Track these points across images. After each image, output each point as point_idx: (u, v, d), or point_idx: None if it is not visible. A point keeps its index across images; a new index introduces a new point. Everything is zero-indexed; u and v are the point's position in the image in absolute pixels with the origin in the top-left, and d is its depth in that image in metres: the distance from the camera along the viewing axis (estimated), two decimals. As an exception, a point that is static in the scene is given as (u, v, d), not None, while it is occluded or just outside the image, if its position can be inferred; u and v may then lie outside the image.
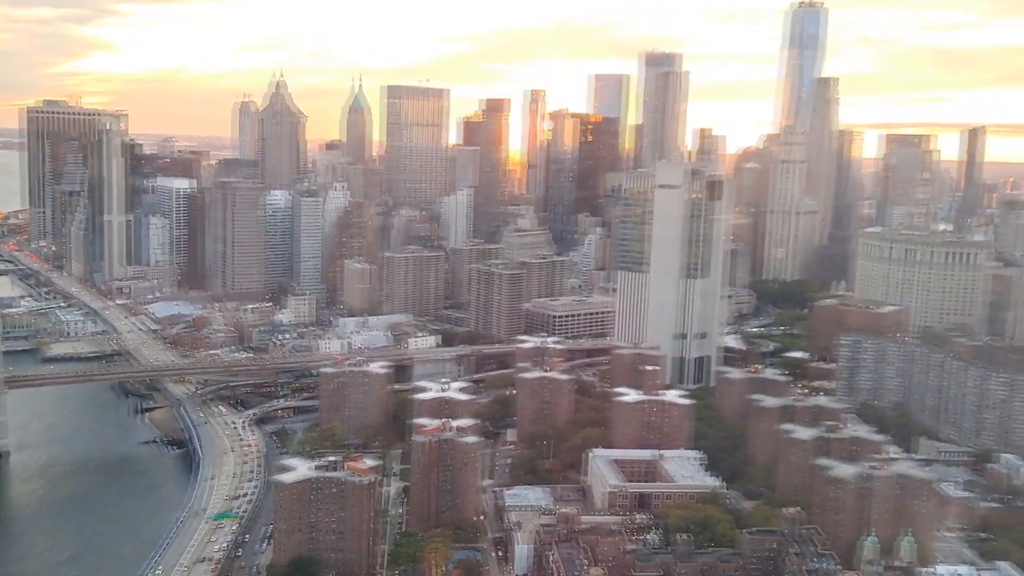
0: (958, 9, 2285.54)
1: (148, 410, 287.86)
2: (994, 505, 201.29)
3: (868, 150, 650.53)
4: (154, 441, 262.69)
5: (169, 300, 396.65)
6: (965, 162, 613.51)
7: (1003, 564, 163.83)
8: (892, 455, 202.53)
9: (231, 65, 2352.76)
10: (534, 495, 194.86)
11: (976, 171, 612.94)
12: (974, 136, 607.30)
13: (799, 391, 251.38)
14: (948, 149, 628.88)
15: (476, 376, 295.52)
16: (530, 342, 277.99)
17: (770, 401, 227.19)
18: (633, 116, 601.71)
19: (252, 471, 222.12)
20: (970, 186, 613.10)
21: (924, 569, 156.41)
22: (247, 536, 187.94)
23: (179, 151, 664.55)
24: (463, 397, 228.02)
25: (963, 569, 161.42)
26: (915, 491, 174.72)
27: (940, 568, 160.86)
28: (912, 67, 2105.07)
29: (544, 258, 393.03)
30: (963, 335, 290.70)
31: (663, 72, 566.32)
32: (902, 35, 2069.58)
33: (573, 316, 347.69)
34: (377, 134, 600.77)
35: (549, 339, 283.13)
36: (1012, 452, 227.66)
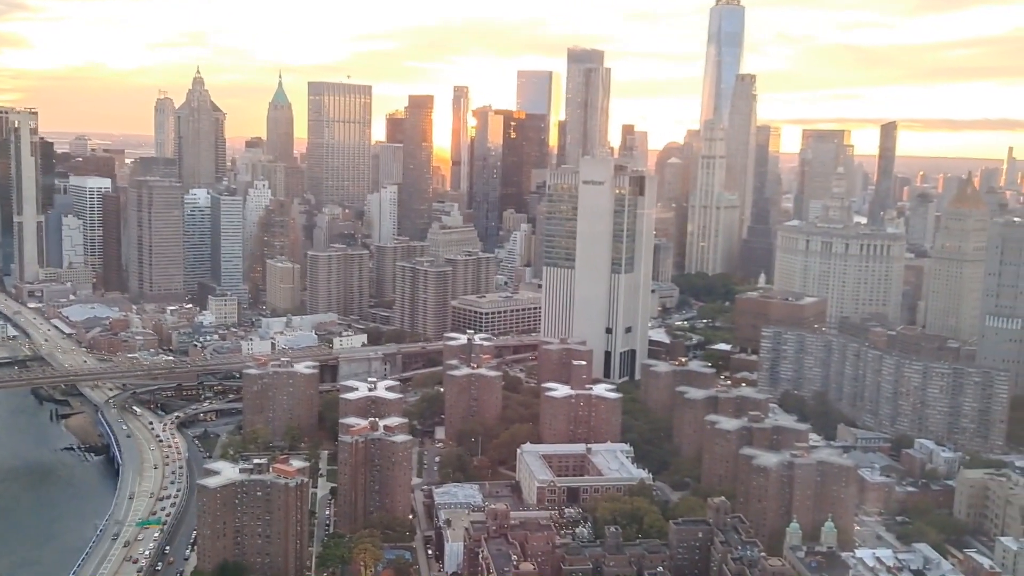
0: (870, 9, 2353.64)
1: (65, 416, 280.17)
2: (911, 489, 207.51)
3: (786, 145, 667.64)
4: (73, 448, 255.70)
5: (85, 303, 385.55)
6: (879, 156, 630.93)
7: (920, 546, 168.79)
8: (813, 443, 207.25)
9: (146, 62, 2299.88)
10: (464, 493, 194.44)
11: (889, 165, 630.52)
12: (887, 131, 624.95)
13: (723, 383, 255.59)
14: (862, 144, 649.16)
15: (404, 374, 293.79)
16: (458, 339, 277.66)
17: (695, 393, 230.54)
18: (560, 112, 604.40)
19: (175, 476, 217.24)
20: (884, 180, 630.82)
21: (845, 553, 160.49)
22: (171, 544, 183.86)
23: (94, 150, 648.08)
24: (391, 396, 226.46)
25: (882, 552, 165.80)
26: (835, 477, 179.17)
27: (860, 551, 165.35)
28: (827, 64, 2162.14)
29: (471, 255, 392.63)
30: (879, 325, 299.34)
31: (587, 68, 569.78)
32: (817, 33, 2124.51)
33: (500, 313, 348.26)
34: (300, 131, 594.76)
35: (477, 336, 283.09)
36: (927, 437, 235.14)
